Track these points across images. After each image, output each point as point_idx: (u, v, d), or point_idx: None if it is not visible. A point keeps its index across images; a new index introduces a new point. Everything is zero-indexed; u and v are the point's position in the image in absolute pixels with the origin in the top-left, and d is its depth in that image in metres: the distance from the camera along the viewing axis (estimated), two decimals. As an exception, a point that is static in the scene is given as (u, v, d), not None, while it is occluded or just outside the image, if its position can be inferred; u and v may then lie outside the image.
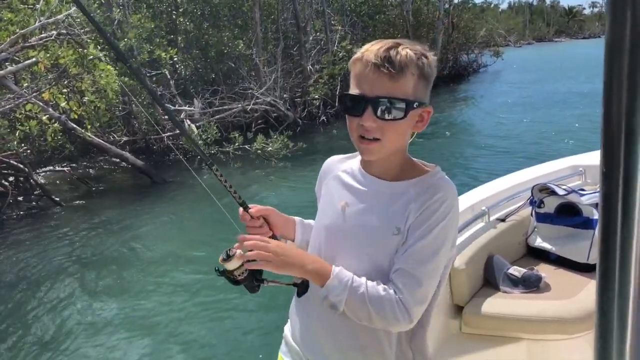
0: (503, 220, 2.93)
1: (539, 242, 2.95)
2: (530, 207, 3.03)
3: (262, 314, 4.77)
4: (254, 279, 1.39)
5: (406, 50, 1.19)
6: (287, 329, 1.56)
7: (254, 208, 1.44)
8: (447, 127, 15.06)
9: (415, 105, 1.21)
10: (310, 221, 1.53)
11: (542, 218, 2.98)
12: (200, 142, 11.14)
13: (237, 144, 11.10)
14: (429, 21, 25.68)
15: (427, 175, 1.28)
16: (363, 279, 1.24)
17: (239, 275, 1.36)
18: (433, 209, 1.20)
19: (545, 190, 3.01)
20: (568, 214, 2.93)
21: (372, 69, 1.18)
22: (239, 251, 1.36)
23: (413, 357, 1.37)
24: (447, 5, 26.37)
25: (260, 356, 4.13)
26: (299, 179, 9.32)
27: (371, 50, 1.20)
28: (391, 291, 1.20)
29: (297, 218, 1.54)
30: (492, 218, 2.89)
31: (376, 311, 1.20)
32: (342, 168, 1.41)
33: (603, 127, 0.55)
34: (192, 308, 5.11)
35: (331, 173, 1.44)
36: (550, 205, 2.96)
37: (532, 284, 2.61)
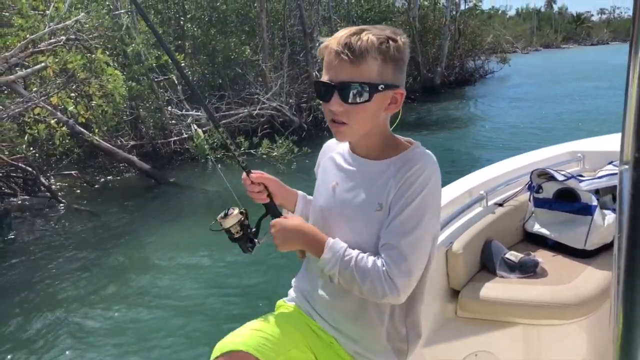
0: (501, 205, 2.90)
1: (537, 228, 2.92)
2: (529, 192, 3.00)
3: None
4: (247, 239, 1.52)
5: (368, 35, 1.22)
6: (294, 282, 1.60)
7: (256, 174, 1.54)
8: (448, 126, 15.13)
9: (380, 88, 1.24)
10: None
11: (540, 203, 2.95)
12: (206, 146, 11.23)
13: (243, 149, 11.16)
14: (435, 27, 25.75)
15: (407, 151, 1.32)
16: (355, 252, 1.29)
17: (236, 233, 1.49)
18: (410, 182, 1.24)
19: (544, 175, 2.99)
20: (566, 200, 2.90)
21: (334, 55, 1.24)
22: (235, 210, 1.49)
23: (407, 333, 1.40)
24: (453, 12, 26.41)
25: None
26: (303, 183, 9.25)
27: (335, 37, 1.26)
28: (379, 263, 1.24)
29: (300, 192, 1.63)
30: (490, 202, 2.86)
31: (364, 283, 1.24)
32: (336, 150, 1.47)
33: (636, 115, 0.55)
34: (197, 309, 5.13)
35: (327, 155, 1.51)
36: (549, 190, 2.94)
37: (529, 269, 2.58)
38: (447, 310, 2.49)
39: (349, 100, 1.23)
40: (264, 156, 10.94)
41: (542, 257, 2.68)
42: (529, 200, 3.01)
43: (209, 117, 1.66)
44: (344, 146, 1.44)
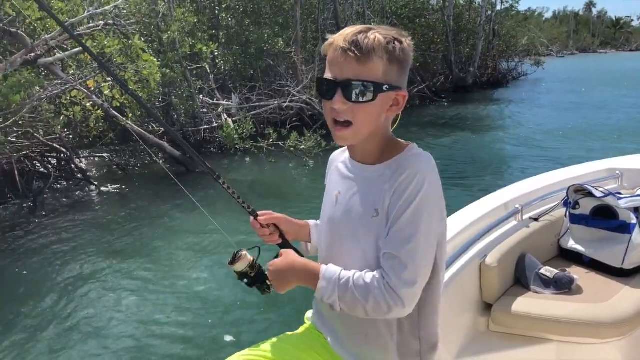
0: (536, 219, 2.89)
1: (572, 244, 2.90)
2: (565, 208, 2.98)
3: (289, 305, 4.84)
4: (264, 282, 1.46)
5: (375, 34, 1.21)
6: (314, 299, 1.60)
7: (264, 216, 1.52)
8: (480, 128, 14.95)
9: (385, 88, 1.22)
10: None
11: (576, 219, 2.93)
12: (235, 136, 11.33)
13: (271, 140, 11.24)
14: (470, 27, 25.41)
15: (401, 154, 1.28)
16: (351, 272, 1.25)
17: (250, 274, 1.44)
18: (404, 188, 1.20)
19: (581, 191, 2.96)
20: (604, 217, 2.87)
21: (340, 53, 1.21)
22: (244, 252, 1.45)
23: (420, 347, 1.35)
24: (489, 12, 26.00)
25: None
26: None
27: (342, 35, 1.24)
28: (378, 277, 1.21)
29: (311, 221, 1.61)
30: (525, 217, 2.86)
31: (367, 301, 1.21)
32: (340, 159, 1.45)
33: None
34: (222, 296, 5.21)
35: (333, 165, 1.49)
36: (586, 206, 2.91)
37: (564, 286, 2.57)
38: (479, 324, 2.48)
39: (353, 99, 1.21)
40: (292, 149, 10.98)
41: (577, 274, 2.66)
42: (565, 215, 2.99)
43: (165, 128, 1.65)
44: (347, 154, 1.42)
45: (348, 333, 1.39)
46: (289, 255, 1.39)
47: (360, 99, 1.21)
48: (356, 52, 1.19)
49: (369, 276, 1.22)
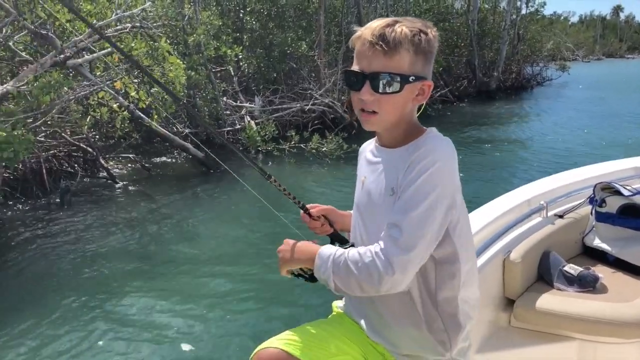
0: (561, 216, 2.86)
1: (597, 242, 2.86)
2: (590, 206, 2.93)
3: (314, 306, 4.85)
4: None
5: (402, 27, 1.25)
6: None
7: (315, 209, 1.59)
8: (503, 132, 14.81)
9: (411, 80, 1.27)
10: None
11: (602, 217, 2.88)
12: (258, 138, 11.43)
13: (293, 142, 11.32)
14: (494, 31, 25.18)
15: (420, 137, 1.32)
16: (346, 251, 1.29)
17: (309, 270, 1.42)
18: (416, 163, 1.24)
19: (608, 189, 2.91)
20: (631, 216, 2.82)
21: (368, 46, 1.26)
22: None
23: (443, 323, 1.36)
24: (514, 16, 25.74)
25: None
26: (350, 180, 9.35)
27: (369, 28, 1.28)
28: (373, 250, 1.23)
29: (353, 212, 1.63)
30: (550, 213, 2.83)
31: (359, 272, 1.23)
32: (368, 148, 1.51)
33: None
34: (243, 296, 5.24)
35: (362, 155, 1.54)
36: (613, 205, 2.86)
37: (588, 284, 2.53)
38: (501, 319, 2.47)
39: (380, 90, 1.26)
40: (314, 151, 11.04)
41: (602, 272, 2.63)
42: (591, 213, 2.95)
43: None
44: (374, 142, 1.48)
45: (378, 316, 1.41)
46: (292, 241, 1.46)
47: (387, 90, 1.26)
48: (383, 45, 1.24)
49: (363, 249, 1.26)
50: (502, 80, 24.97)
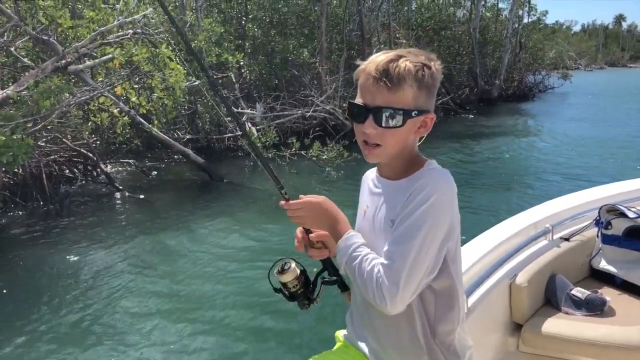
0: (567, 239, 2.84)
1: (604, 265, 2.83)
2: (596, 228, 2.91)
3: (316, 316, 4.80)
4: (305, 297, 1.49)
5: (406, 62, 1.27)
6: (347, 317, 1.63)
7: (316, 233, 1.50)
8: (506, 142, 14.78)
9: (414, 114, 1.29)
10: None
11: (608, 240, 2.85)
12: (259, 144, 11.39)
13: (293, 149, 11.28)
14: (496, 39, 25.23)
15: (420, 170, 1.35)
16: (365, 250, 1.33)
17: (293, 288, 1.46)
18: (413, 196, 1.27)
19: (613, 211, 2.88)
20: (637, 238, 2.79)
21: (372, 81, 1.29)
22: (293, 264, 1.48)
23: (444, 356, 1.37)
24: (516, 25, 25.78)
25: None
26: (350, 188, 9.33)
27: (374, 62, 1.30)
28: (376, 270, 1.27)
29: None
30: (555, 236, 2.81)
31: (363, 284, 1.29)
32: (370, 177, 1.52)
33: None
34: (243, 302, 5.19)
35: (364, 183, 1.55)
36: (619, 227, 2.83)
37: (596, 307, 2.51)
38: (509, 344, 2.45)
39: (383, 125, 1.29)
40: (314, 158, 11.00)
41: (609, 295, 2.61)
42: (597, 236, 2.92)
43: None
44: (376, 171, 1.50)
45: (381, 346, 1.43)
46: (327, 200, 1.45)
47: (390, 125, 1.29)
48: (387, 82, 1.26)
49: (372, 264, 1.28)
50: (504, 89, 24.99)
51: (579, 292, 2.55)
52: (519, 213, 2.94)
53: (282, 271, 1.46)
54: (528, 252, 2.65)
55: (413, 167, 1.36)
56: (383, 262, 1.26)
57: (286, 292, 1.47)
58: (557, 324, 2.40)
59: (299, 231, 1.50)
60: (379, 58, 1.29)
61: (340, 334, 1.64)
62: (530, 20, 27.36)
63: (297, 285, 1.47)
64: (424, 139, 1.39)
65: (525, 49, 26.70)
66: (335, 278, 1.51)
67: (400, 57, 1.28)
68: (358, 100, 1.33)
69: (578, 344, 2.30)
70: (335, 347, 1.61)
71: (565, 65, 34.18)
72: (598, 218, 2.92)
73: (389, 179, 1.41)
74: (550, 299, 2.59)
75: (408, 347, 1.37)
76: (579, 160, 12.13)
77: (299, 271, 1.48)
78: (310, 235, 1.52)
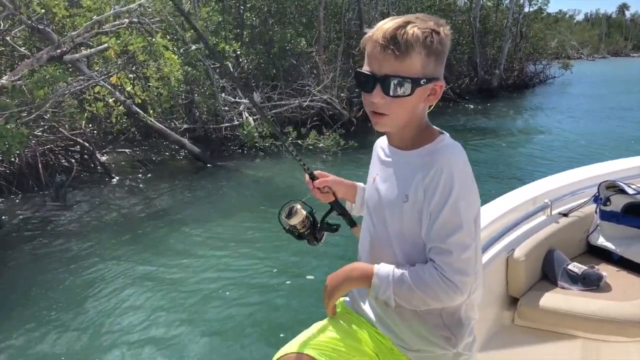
0: (565, 215, 2.83)
1: (602, 241, 2.80)
2: (595, 204, 2.88)
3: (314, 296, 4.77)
4: (313, 236, 1.60)
5: (414, 29, 1.22)
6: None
7: (321, 179, 1.63)
8: (505, 129, 14.78)
9: (422, 82, 1.26)
10: None
11: (607, 216, 2.82)
12: (255, 134, 11.35)
13: (290, 139, 11.23)
14: (496, 29, 25.06)
15: (432, 143, 1.32)
16: (404, 268, 1.30)
17: (302, 229, 1.55)
18: (435, 184, 1.25)
19: (612, 187, 2.84)
20: (636, 215, 2.76)
21: (379, 49, 1.24)
22: (298, 206, 1.55)
23: (443, 321, 1.38)
24: (517, 14, 25.59)
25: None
26: (347, 175, 9.31)
27: (380, 29, 1.25)
28: (433, 271, 1.25)
29: (359, 184, 1.69)
30: (554, 212, 2.81)
31: (427, 294, 1.26)
32: (381, 144, 1.51)
33: None
34: (236, 288, 5.17)
35: (375, 151, 1.54)
36: (617, 203, 2.80)
37: (592, 283, 2.49)
38: (504, 317, 2.47)
39: (391, 93, 1.25)
40: (310, 147, 10.97)
41: (606, 271, 2.61)
42: (595, 212, 2.90)
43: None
44: (386, 139, 1.48)
45: (385, 313, 1.44)
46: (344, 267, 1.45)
47: (398, 93, 1.25)
48: (394, 49, 1.22)
49: (423, 270, 1.27)
50: (504, 78, 24.84)
51: (576, 267, 2.52)
52: (518, 188, 2.93)
53: (290, 215, 1.53)
54: (526, 227, 2.65)
55: (424, 138, 1.34)
56: (439, 259, 1.25)
57: (295, 232, 1.55)
58: (553, 298, 2.40)
59: (307, 181, 1.62)
60: (386, 25, 1.25)
61: (341, 300, 1.62)
62: (531, 9, 27.18)
63: (305, 226, 1.55)
64: (433, 106, 1.35)
65: (526, 38, 26.53)
66: (339, 219, 1.63)
67: (408, 23, 1.23)
68: (365, 69, 1.28)
69: (573, 318, 2.30)
70: (338, 313, 1.58)
71: (567, 54, 34.00)
72: (597, 194, 2.90)
73: (399, 148, 1.39)
74: (547, 273, 2.58)
75: (411, 314, 1.37)
76: (578, 142, 12.17)
77: (305, 213, 1.55)
78: (315, 182, 1.61)
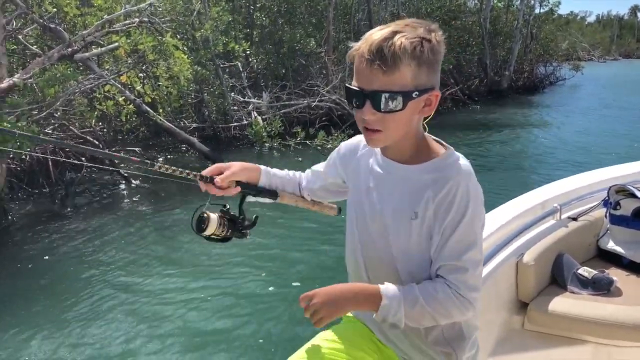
0: (575, 219, 2.82)
1: (612, 245, 2.79)
2: (605, 208, 2.88)
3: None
4: (238, 230, 1.44)
5: (401, 40, 1.15)
6: None
7: (222, 174, 1.44)
8: (515, 132, 14.65)
9: (414, 95, 1.19)
10: (276, 171, 1.60)
11: (616, 220, 2.81)
12: (264, 134, 11.39)
13: (299, 139, 11.26)
14: (506, 30, 24.92)
15: (440, 158, 1.28)
16: (413, 287, 1.25)
17: (222, 233, 1.40)
18: (450, 200, 1.22)
19: (622, 191, 2.83)
20: (647, 219, 2.73)
21: (366, 64, 1.17)
22: (210, 215, 1.39)
23: (444, 336, 1.36)
24: (527, 15, 25.43)
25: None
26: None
27: (367, 42, 1.19)
28: (446, 288, 1.23)
29: (262, 167, 1.57)
30: (563, 216, 2.80)
31: (439, 313, 1.24)
32: (361, 150, 1.43)
33: None
34: (257, 293, 5.17)
35: (352, 156, 1.45)
36: (627, 207, 2.80)
37: (602, 287, 2.48)
38: (514, 322, 2.46)
39: (382, 109, 1.19)
40: (319, 147, 10.99)
41: (616, 275, 2.60)
42: (605, 216, 2.90)
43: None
44: (375, 152, 1.39)
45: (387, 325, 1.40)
46: (336, 285, 1.33)
47: (390, 108, 1.19)
48: (381, 64, 1.15)
49: (434, 288, 1.24)
50: (514, 80, 24.70)
51: (586, 271, 2.51)
52: (527, 192, 2.91)
53: (201, 229, 1.39)
54: (535, 231, 2.64)
55: (425, 151, 1.29)
56: (453, 277, 1.22)
57: (215, 239, 1.41)
58: (563, 303, 2.39)
59: (204, 187, 1.44)
60: (372, 37, 1.18)
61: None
62: (542, 10, 26.98)
63: (223, 230, 1.40)
64: (430, 117, 1.29)
65: (536, 39, 26.35)
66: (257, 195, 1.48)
67: (395, 33, 1.16)
68: (354, 84, 1.22)
69: (584, 322, 2.28)
70: (343, 321, 1.56)
71: (578, 56, 33.71)
72: (607, 198, 2.88)
73: (397, 160, 1.32)
74: (557, 278, 2.57)
75: (411, 328, 1.32)
76: (587, 146, 12.07)
77: (216, 217, 1.40)
78: (216, 180, 1.43)
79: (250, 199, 1.52)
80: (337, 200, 1.64)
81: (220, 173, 1.45)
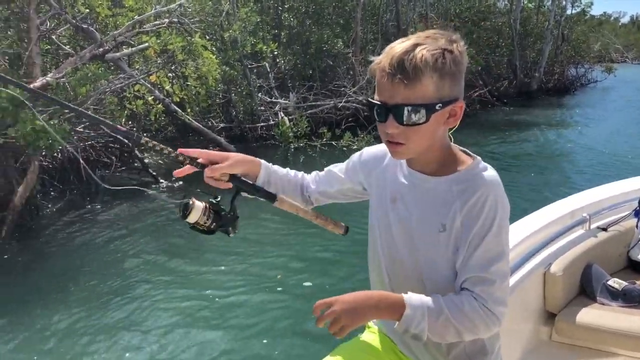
0: (605, 229, 2.75)
1: None
2: (636, 219, 2.80)
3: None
4: (222, 224, 1.38)
5: (422, 52, 1.15)
6: None
7: (219, 165, 1.38)
8: (545, 135, 14.43)
9: (438, 107, 1.18)
10: (277, 168, 1.52)
11: None
12: (290, 134, 11.44)
13: (325, 139, 11.28)
14: (537, 31, 24.49)
15: (467, 169, 1.27)
16: (437, 298, 1.22)
17: (205, 223, 1.35)
18: (478, 210, 1.21)
19: (655, 201, 2.75)
20: (680, 230, 2.65)
21: (388, 78, 1.17)
22: (193, 200, 1.34)
23: (465, 349, 1.34)
24: (559, 16, 24.93)
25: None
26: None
27: (388, 55, 1.19)
28: (472, 301, 1.21)
29: (262, 162, 1.49)
30: (593, 226, 2.74)
31: (465, 326, 1.21)
32: (386, 159, 1.41)
33: None
34: (268, 292, 5.20)
35: (378, 164, 1.43)
36: None
37: (633, 299, 2.42)
38: (542, 333, 2.43)
39: (405, 122, 1.18)
40: (344, 148, 10.99)
41: None
42: (636, 227, 2.83)
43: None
44: (401, 162, 1.38)
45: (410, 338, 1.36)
46: (357, 292, 1.29)
47: (413, 121, 1.18)
48: (403, 78, 1.15)
49: (461, 300, 1.21)
50: (544, 82, 24.26)
51: (616, 282, 2.46)
52: (556, 201, 2.86)
53: (185, 215, 1.34)
54: (564, 241, 2.59)
55: (452, 162, 1.28)
56: (480, 289, 1.20)
57: (199, 228, 1.36)
58: (592, 314, 2.34)
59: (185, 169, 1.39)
60: (393, 50, 1.18)
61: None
62: (574, 11, 26.42)
63: (207, 220, 1.35)
64: (455, 128, 1.27)
65: (567, 41, 25.82)
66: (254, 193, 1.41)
67: (416, 46, 1.16)
68: (376, 98, 1.22)
69: (614, 335, 2.24)
70: (366, 332, 1.55)
71: (611, 58, 32.92)
72: (638, 208, 2.82)
73: (423, 172, 1.30)
74: (586, 288, 2.52)
75: (433, 342, 1.29)
76: (619, 152, 11.75)
77: (202, 206, 1.35)
78: (207, 170, 1.37)
79: (247, 196, 1.45)
80: (351, 203, 1.60)
81: (216, 162, 1.39)
